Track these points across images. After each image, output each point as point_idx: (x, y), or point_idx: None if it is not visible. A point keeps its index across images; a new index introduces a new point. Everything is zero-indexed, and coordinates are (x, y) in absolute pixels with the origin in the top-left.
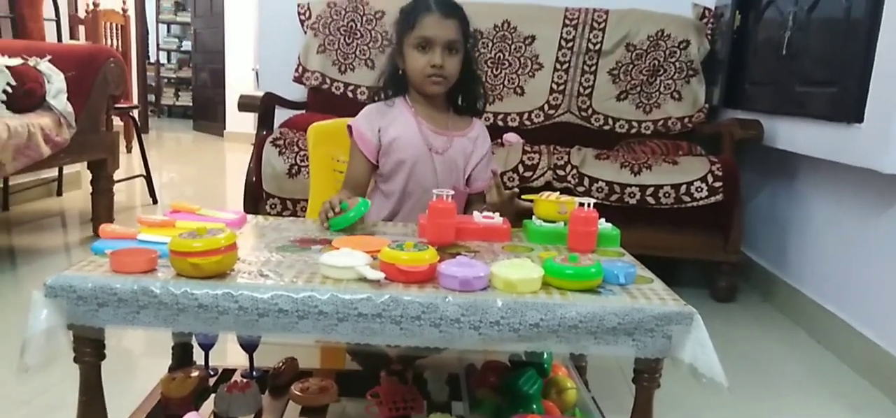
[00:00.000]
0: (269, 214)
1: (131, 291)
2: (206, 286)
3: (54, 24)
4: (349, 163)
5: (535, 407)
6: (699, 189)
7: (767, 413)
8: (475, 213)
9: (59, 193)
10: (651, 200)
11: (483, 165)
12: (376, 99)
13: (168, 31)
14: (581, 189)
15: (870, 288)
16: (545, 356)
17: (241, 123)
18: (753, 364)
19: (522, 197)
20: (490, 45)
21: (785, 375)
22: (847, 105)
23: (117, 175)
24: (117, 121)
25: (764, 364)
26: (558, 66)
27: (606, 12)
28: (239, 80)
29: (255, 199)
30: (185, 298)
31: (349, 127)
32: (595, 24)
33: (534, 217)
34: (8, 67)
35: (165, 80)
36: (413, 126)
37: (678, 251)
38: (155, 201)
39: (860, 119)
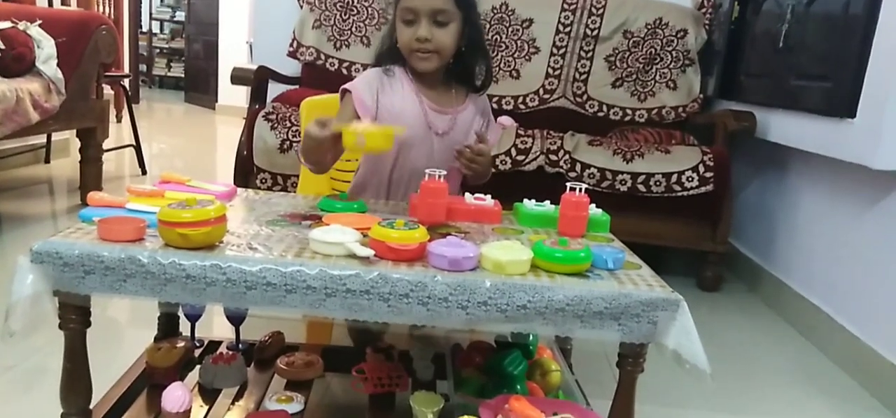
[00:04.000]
0: (259, 189)
1: (118, 259)
2: (194, 257)
3: None
4: (340, 111)
5: (519, 387)
6: (690, 179)
7: (748, 402)
8: (467, 195)
9: (47, 160)
10: (642, 188)
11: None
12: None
13: (161, 0)
14: (573, 174)
15: (855, 283)
16: (531, 338)
17: (233, 96)
18: (736, 353)
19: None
20: (487, 27)
21: (767, 365)
22: (840, 100)
23: (106, 144)
24: (107, 90)
25: (746, 354)
26: (555, 50)
27: None
28: (232, 53)
29: (246, 173)
30: (172, 268)
31: (343, 89)
32: (593, 10)
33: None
34: None
35: (157, 51)
36: (414, 102)
37: (666, 239)
38: (144, 172)
39: (853, 114)
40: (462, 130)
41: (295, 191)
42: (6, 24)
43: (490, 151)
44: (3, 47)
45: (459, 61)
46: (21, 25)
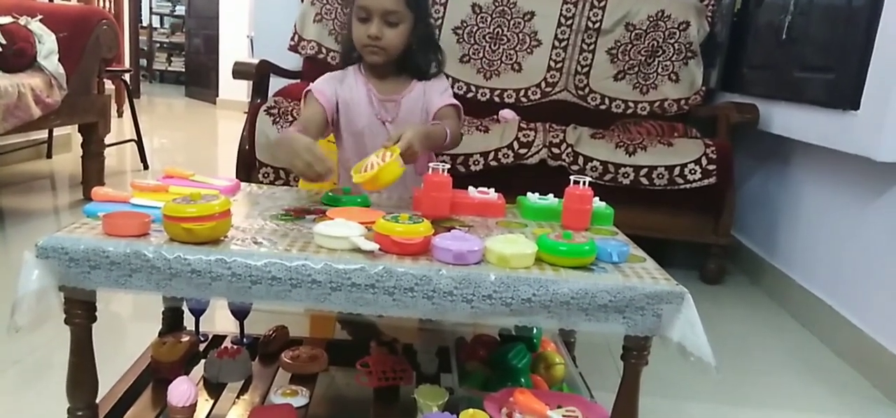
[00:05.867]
0: (261, 183)
1: (124, 254)
2: (199, 252)
3: None
4: (303, 109)
5: (523, 380)
6: (693, 171)
7: (750, 393)
8: (470, 189)
9: (49, 156)
10: (645, 181)
11: (442, 98)
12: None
13: None
14: (575, 167)
15: (857, 274)
16: (534, 331)
17: (234, 91)
18: (739, 345)
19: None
20: (488, 19)
21: (769, 357)
22: (844, 92)
23: (108, 139)
24: (108, 85)
25: (749, 346)
26: (557, 43)
27: None
28: (233, 47)
29: (248, 168)
30: (177, 263)
31: (306, 91)
32: (595, 3)
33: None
34: None
35: (158, 45)
36: (364, 94)
37: (669, 232)
38: (146, 167)
39: (856, 106)
40: (408, 112)
41: (297, 186)
42: (7, 20)
43: (410, 139)
44: (4, 43)
45: (410, 55)
46: (22, 20)
